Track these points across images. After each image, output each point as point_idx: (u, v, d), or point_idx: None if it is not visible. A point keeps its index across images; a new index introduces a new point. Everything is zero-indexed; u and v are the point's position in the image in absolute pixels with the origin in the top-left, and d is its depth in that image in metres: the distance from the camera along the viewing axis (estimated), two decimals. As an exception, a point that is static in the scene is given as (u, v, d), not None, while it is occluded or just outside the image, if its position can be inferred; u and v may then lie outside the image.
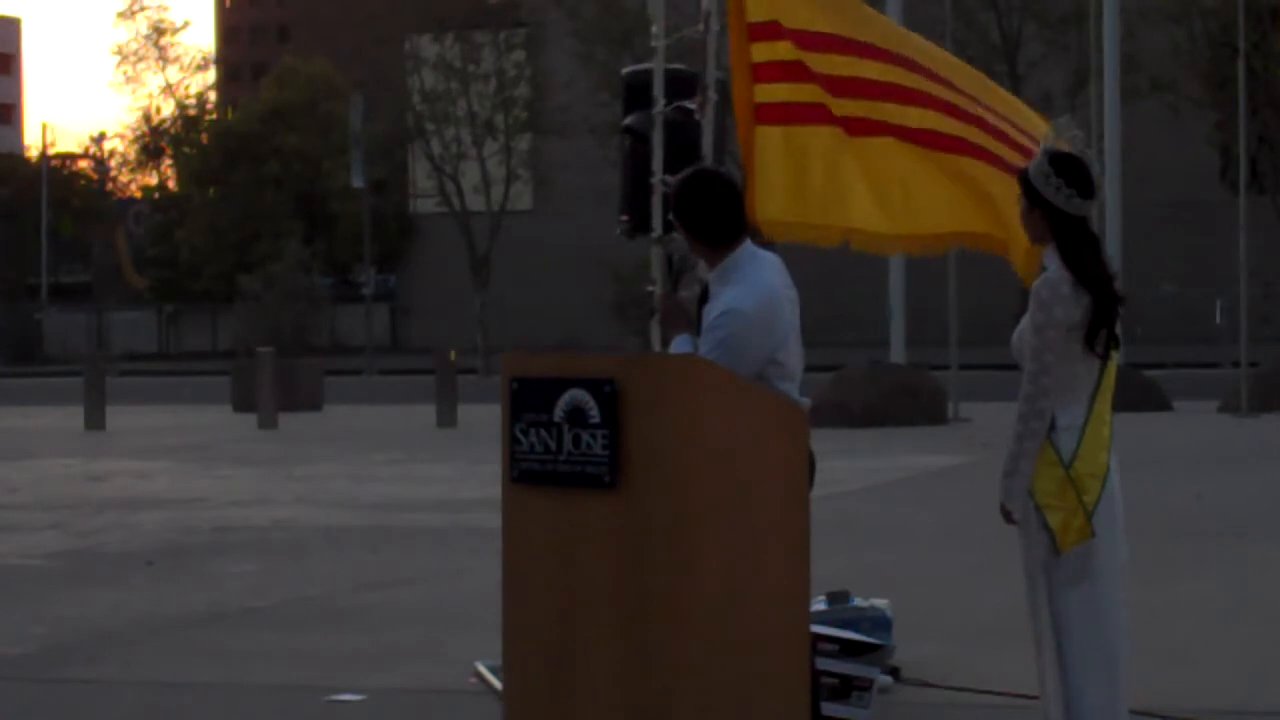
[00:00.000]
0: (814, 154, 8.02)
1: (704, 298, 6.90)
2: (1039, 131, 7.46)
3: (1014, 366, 6.49)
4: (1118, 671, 6.41)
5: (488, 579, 7.87)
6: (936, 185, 8.08)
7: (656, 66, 8.66)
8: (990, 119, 8.06)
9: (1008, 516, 6.40)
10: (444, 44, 60.95)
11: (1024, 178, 6.42)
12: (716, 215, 6.76)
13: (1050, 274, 6.32)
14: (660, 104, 8.52)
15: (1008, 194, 7.48)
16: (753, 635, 6.10)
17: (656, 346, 8.23)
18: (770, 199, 7.82)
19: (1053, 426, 6.30)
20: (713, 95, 8.19)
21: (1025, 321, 6.38)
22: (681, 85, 8.67)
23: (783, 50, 8.12)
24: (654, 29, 8.61)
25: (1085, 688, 6.35)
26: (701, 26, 8.32)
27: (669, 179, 8.05)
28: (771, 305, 6.66)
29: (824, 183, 8.05)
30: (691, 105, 8.43)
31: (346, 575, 13.19)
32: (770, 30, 8.13)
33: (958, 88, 8.13)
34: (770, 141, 8.01)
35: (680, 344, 6.89)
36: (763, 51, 8.16)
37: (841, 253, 8.72)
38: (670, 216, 7.23)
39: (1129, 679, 6.47)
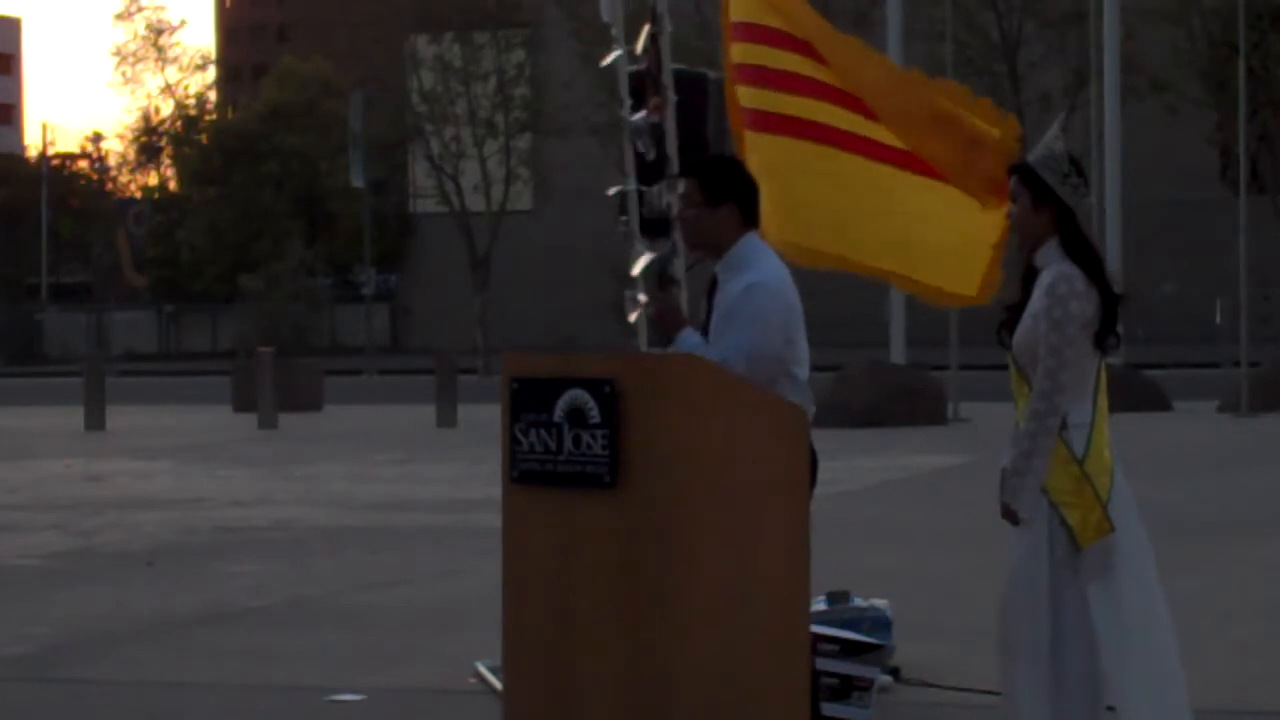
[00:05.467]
0: (793, 170, 8.14)
1: (711, 289, 6.95)
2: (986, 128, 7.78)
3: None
4: (1139, 672, 6.39)
5: (488, 579, 7.87)
6: (885, 218, 8.29)
7: (620, 68, 8.66)
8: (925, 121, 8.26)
9: (1012, 516, 6.37)
10: (443, 44, 60.90)
11: (1032, 176, 6.39)
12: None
13: (1064, 270, 6.31)
14: (628, 105, 8.53)
15: (944, 208, 7.75)
16: (753, 635, 6.10)
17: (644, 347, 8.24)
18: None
19: (1064, 425, 6.30)
20: (672, 96, 8.20)
21: (1031, 320, 6.35)
22: (685, 84, 8.66)
23: (760, 54, 8.23)
24: (613, 31, 8.61)
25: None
26: (648, 26, 8.32)
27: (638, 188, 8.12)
28: (787, 285, 6.82)
29: (804, 203, 8.19)
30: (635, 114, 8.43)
31: (346, 575, 13.19)
32: (752, 32, 8.21)
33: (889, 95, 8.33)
34: (756, 150, 8.12)
35: (688, 336, 6.86)
36: (744, 53, 8.26)
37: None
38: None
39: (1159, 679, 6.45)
